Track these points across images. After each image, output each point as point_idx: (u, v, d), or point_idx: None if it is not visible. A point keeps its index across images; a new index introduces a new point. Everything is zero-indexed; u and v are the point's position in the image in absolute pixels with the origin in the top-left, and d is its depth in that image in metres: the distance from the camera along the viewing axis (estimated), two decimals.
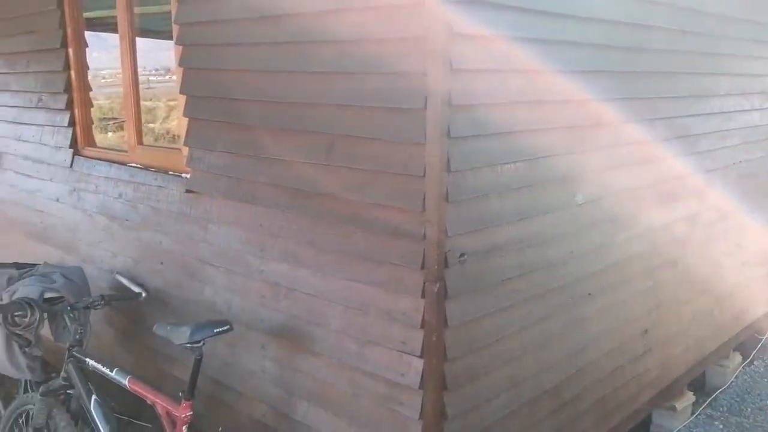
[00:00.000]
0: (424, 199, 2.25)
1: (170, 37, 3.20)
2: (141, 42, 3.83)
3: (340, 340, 2.63)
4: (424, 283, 2.30)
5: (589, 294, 3.11)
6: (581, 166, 2.94)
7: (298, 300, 2.79)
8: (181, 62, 3.13)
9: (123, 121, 4.28)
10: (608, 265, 3.22)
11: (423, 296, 2.31)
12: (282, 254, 2.83)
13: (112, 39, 4.04)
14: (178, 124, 3.38)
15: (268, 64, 2.75)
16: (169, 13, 3.19)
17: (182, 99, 3.20)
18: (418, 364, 2.37)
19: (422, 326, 2.34)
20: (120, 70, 3.77)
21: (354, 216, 2.51)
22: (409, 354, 2.39)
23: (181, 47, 3.13)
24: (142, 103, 3.91)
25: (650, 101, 3.34)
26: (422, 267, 2.30)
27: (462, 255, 2.34)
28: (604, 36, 2.93)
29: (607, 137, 3.08)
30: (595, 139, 3.01)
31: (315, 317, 2.72)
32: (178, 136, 3.73)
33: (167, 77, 3.56)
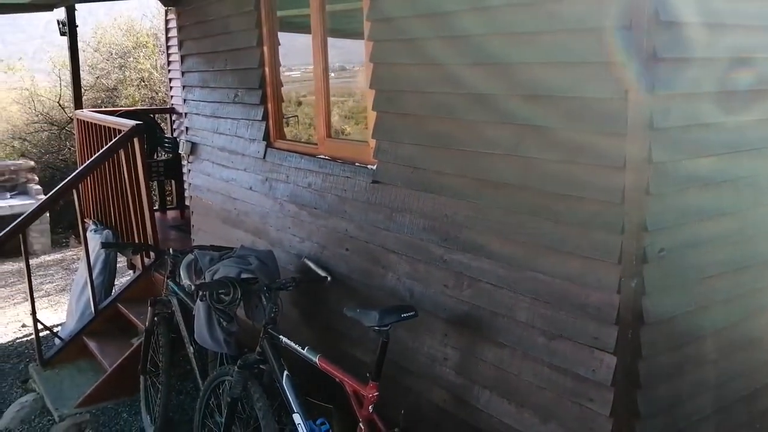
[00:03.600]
0: (623, 190, 2.19)
1: (339, 35, 3.30)
2: (295, 39, 3.95)
3: (526, 332, 2.63)
4: (621, 278, 2.24)
5: None
6: None
7: (483, 290, 2.81)
8: (372, 57, 3.24)
9: (291, 117, 4.49)
10: None
11: (619, 291, 2.26)
12: (466, 244, 2.86)
13: (283, 38, 4.26)
14: (339, 119, 3.52)
15: (461, 57, 2.77)
16: (347, 11, 3.28)
17: (370, 94, 3.31)
18: (611, 360, 2.32)
19: (617, 322, 2.28)
20: (287, 69, 3.95)
21: (544, 207, 2.49)
22: (601, 350, 2.35)
23: (372, 43, 3.24)
24: (303, 98, 4.06)
25: None
26: (619, 261, 2.24)
27: (662, 250, 2.26)
28: None
29: None
30: None
31: (500, 308, 2.74)
32: (339, 131, 3.90)
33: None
